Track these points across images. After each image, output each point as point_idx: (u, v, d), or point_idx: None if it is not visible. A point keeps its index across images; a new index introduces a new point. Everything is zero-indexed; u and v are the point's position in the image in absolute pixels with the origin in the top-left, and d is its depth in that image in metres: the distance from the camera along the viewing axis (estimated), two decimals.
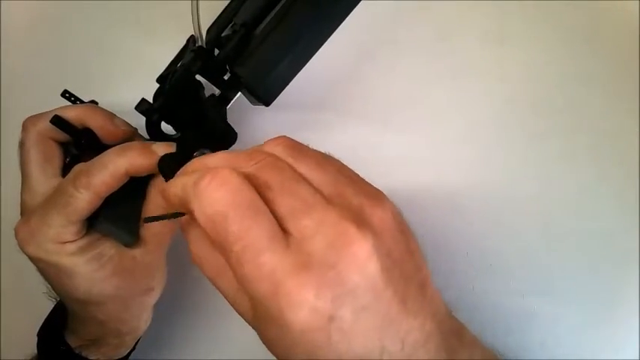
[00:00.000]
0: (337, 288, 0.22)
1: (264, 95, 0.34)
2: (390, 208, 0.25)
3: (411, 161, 0.41)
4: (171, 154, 0.33)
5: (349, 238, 0.23)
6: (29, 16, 0.44)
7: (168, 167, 0.31)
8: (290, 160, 0.26)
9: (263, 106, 0.35)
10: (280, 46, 0.33)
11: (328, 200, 0.24)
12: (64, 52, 0.44)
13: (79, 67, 0.43)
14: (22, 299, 0.44)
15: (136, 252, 0.34)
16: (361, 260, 0.23)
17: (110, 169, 0.32)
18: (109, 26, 0.43)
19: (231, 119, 0.36)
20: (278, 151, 0.26)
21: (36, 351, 0.37)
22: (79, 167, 0.32)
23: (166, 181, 0.31)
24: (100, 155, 0.32)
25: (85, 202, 0.31)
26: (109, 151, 0.33)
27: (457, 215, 0.41)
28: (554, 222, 0.41)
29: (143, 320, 0.37)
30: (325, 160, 0.27)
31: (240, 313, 0.26)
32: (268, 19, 0.34)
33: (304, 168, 0.26)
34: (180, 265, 0.37)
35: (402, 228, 0.25)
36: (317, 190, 0.24)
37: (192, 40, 0.35)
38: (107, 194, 0.32)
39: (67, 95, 0.36)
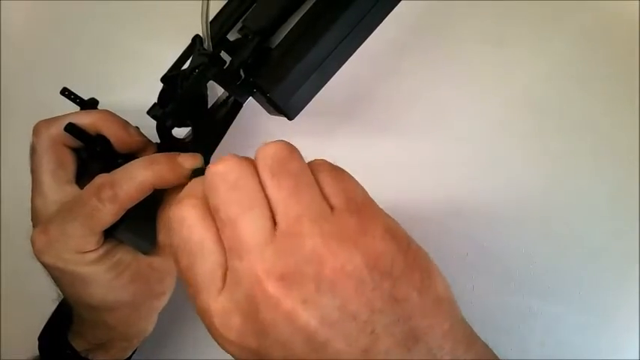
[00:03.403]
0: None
1: (290, 111, 0.33)
2: None
3: (412, 163, 0.41)
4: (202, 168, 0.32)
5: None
6: (29, 16, 0.44)
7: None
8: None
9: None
10: (309, 61, 0.32)
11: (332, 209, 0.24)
12: (64, 52, 0.44)
13: (79, 66, 0.43)
14: (21, 300, 0.44)
15: (152, 259, 0.34)
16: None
17: (137, 182, 0.31)
18: (109, 26, 0.43)
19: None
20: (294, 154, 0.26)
21: (37, 353, 0.36)
22: (101, 179, 0.32)
23: None
24: (124, 167, 0.32)
25: (110, 214, 0.31)
26: (134, 163, 0.32)
27: (458, 216, 0.41)
28: (554, 222, 0.41)
29: (150, 323, 0.37)
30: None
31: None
32: (284, 28, 0.33)
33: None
34: None
35: None
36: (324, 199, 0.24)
37: (198, 40, 0.35)
38: (131, 206, 0.32)
39: (67, 93, 0.35)
